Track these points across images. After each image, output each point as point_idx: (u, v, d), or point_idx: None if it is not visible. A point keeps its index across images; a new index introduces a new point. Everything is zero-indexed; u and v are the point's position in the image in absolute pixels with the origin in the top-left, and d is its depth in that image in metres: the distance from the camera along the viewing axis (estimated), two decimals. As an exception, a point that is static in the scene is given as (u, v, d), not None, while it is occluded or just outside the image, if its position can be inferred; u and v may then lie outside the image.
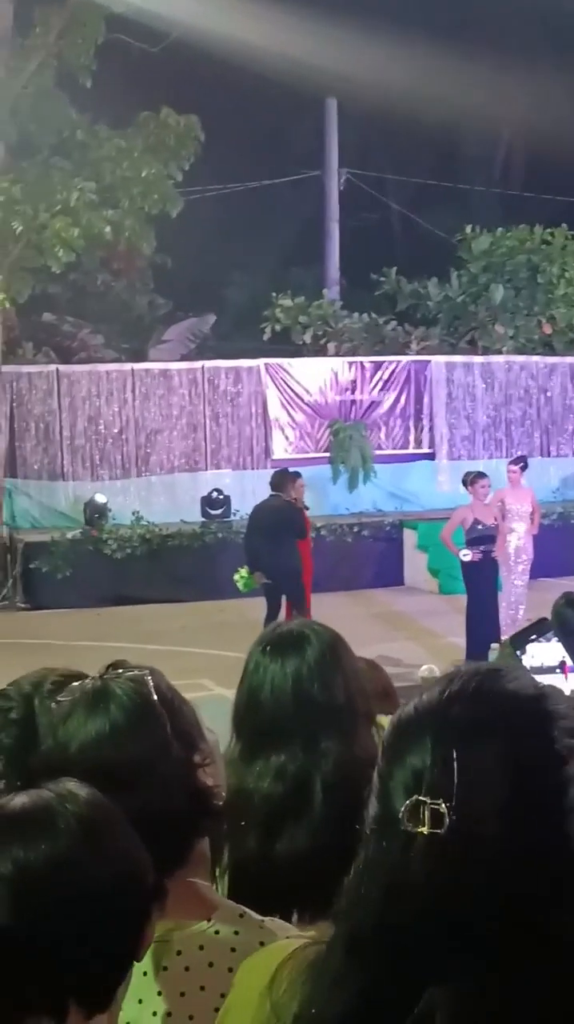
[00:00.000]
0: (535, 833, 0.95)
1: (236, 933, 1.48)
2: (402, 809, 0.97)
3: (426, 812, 0.96)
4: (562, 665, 2.81)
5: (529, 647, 2.82)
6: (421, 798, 0.96)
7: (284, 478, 10.74)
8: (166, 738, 1.49)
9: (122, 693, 1.50)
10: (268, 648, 1.93)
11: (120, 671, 1.56)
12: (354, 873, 1.04)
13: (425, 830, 0.95)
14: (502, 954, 0.95)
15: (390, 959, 0.99)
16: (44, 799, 1.23)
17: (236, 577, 10.36)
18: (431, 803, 0.95)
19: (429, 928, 0.96)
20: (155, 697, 1.51)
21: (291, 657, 1.90)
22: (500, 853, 0.95)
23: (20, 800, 1.24)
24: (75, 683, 1.58)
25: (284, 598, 10.16)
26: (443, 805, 0.95)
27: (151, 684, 1.53)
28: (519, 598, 10.92)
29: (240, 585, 10.35)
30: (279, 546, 10.20)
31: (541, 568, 11.68)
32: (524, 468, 11.59)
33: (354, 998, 1.01)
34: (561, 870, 0.96)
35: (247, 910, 1.52)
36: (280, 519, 10.31)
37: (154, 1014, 1.46)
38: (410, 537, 14.68)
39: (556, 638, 2.80)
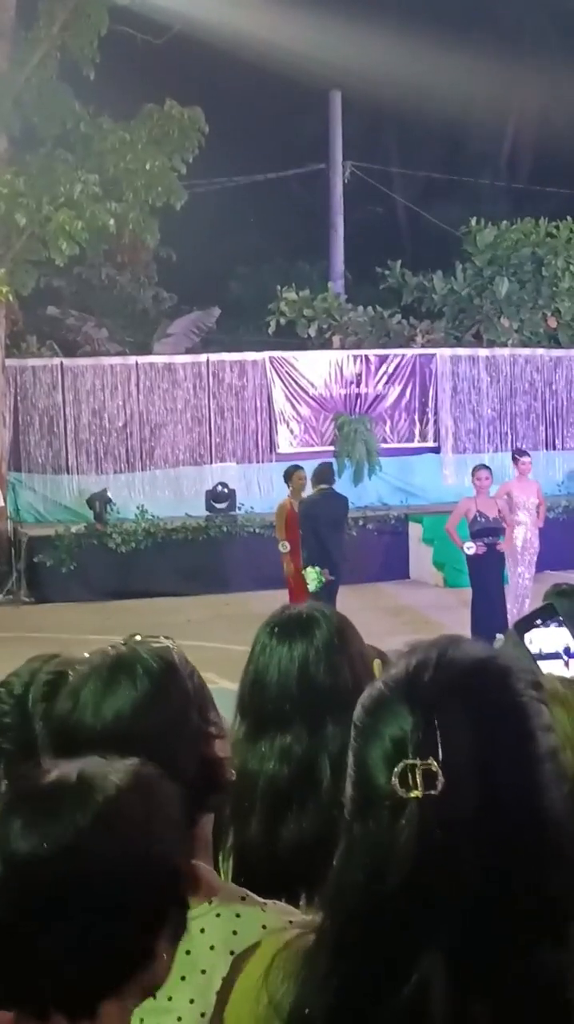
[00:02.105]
0: (513, 783, 1.00)
1: (238, 916, 1.45)
2: (391, 779, 0.99)
3: (418, 775, 0.98)
4: (567, 650, 2.79)
5: (534, 634, 2.80)
6: (410, 762, 0.99)
7: (331, 470, 10.96)
8: (187, 707, 1.49)
9: (149, 659, 1.50)
10: (276, 630, 1.91)
11: (141, 639, 1.56)
12: (336, 863, 1.06)
13: (418, 793, 0.98)
14: (494, 911, 0.97)
15: (378, 942, 1.00)
16: (69, 782, 1.19)
17: (309, 577, 10.16)
18: (422, 764, 0.98)
19: (418, 898, 0.98)
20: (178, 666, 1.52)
21: (299, 640, 1.88)
22: (485, 806, 0.99)
23: (48, 778, 1.20)
24: (97, 650, 1.57)
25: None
26: (434, 764, 0.98)
27: (175, 653, 1.53)
28: (525, 591, 10.88)
29: (314, 585, 10.12)
30: (342, 539, 10.42)
31: (546, 561, 11.65)
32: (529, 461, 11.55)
33: (343, 991, 1.02)
34: (539, 816, 1.01)
35: (249, 893, 1.50)
36: (342, 512, 10.46)
37: (153, 997, 1.43)
38: (415, 530, 14.65)
39: (555, 623, 2.78)
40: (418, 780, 0.98)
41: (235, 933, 1.42)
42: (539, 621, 2.77)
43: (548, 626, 2.86)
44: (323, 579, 10.08)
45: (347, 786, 1.07)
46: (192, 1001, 1.43)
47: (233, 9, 15.82)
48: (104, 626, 11.26)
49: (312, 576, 10.08)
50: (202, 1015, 1.40)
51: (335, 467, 11.00)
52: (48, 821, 1.15)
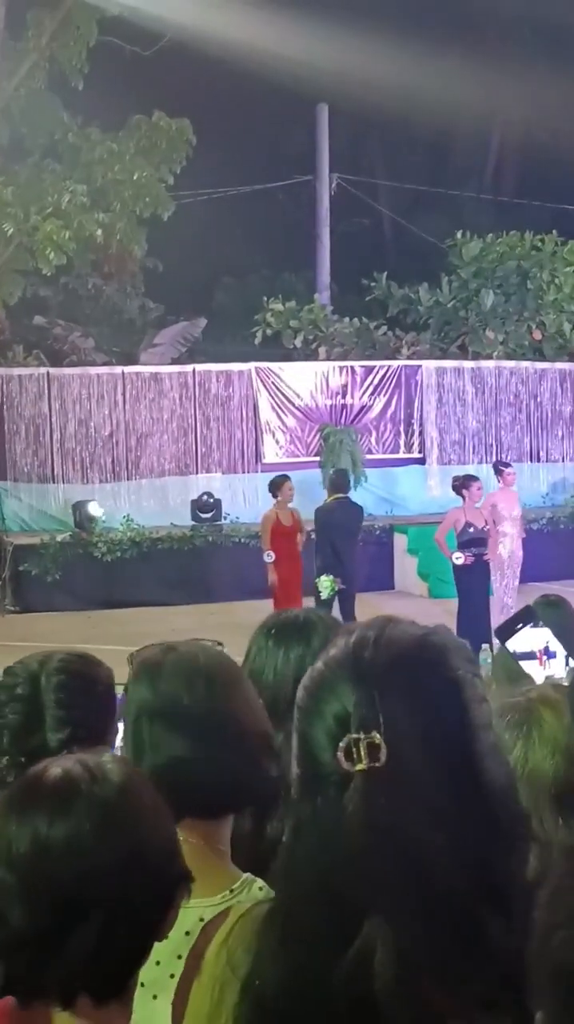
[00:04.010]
0: (452, 752, 1.04)
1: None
2: (337, 753, 1.03)
3: (362, 747, 1.01)
4: (546, 650, 2.83)
5: (514, 638, 2.84)
6: (354, 736, 1.02)
7: (346, 478, 10.97)
8: (253, 696, 1.64)
9: (218, 655, 1.64)
10: (273, 632, 1.94)
11: (201, 640, 1.69)
12: (286, 839, 1.10)
13: (363, 765, 1.01)
14: (437, 878, 1.00)
15: (325, 912, 1.03)
16: (75, 776, 1.22)
17: (322, 585, 10.17)
18: (366, 737, 1.01)
19: (363, 866, 1.00)
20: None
21: (296, 644, 1.91)
22: (425, 776, 1.02)
23: (53, 773, 1.23)
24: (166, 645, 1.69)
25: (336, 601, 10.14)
26: (377, 736, 1.01)
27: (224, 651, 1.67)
28: (510, 602, 10.92)
29: (326, 593, 10.17)
30: (357, 548, 10.47)
31: (531, 572, 11.71)
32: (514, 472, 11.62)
33: (292, 963, 1.05)
34: (477, 783, 1.04)
35: (265, 883, 1.55)
36: (357, 521, 10.57)
37: (171, 976, 1.48)
38: (400, 541, 14.69)
39: (531, 625, 2.82)
40: (362, 753, 1.01)
41: None
42: (520, 626, 2.82)
43: (532, 627, 2.90)
44: (335, 587, 10.09)
45: (292, 766, 1.10)
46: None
47: (221, 22, 15.90)
48: (89, 635, 11.24)
49: (325, 584, 10.09)
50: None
51: (345, 476, 10.98)
52: (59, 816, 1.18)
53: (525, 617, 2.79)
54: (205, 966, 1.23)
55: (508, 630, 2.73)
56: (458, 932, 1.00)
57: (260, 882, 1.55)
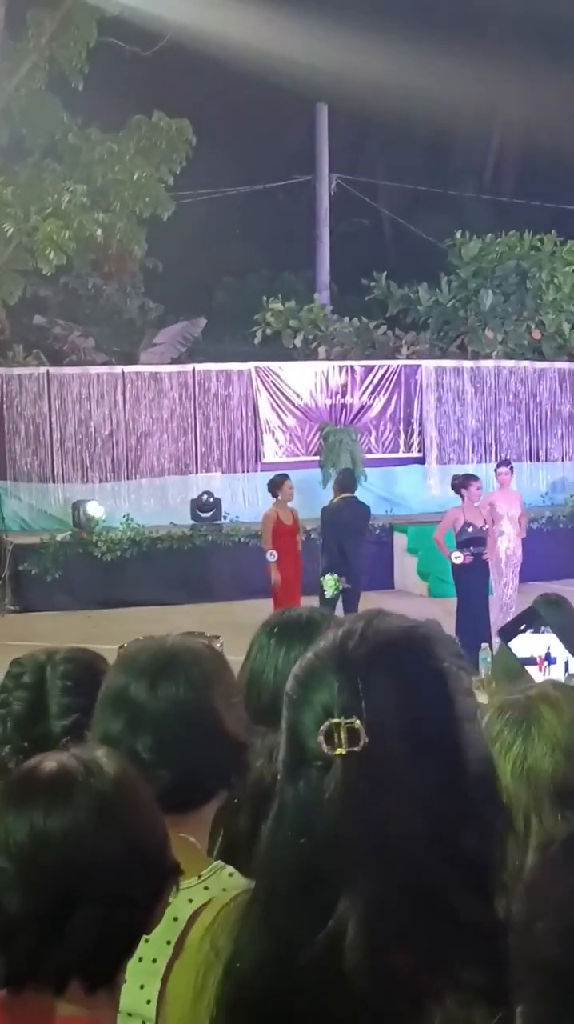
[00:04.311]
0: (433, 741, 1.06)
1: (224, 890, 1.50)
2: (318, 737, 1.05)
3: (342, 732, 1.04)
4: (547, 655, 2.83)
5: (517, 639, 2.84)
6: (335, 720, 1.05)
7: (353, 477, 10.95)
8: (231, 692, 1.63)
9: (201, 648, 1.64)
10: (275, 631, 1.94)
11: (197, 633, 1.70)
12: (269, 823, 1.12)
13: (342, 750, 1.04)
14: (412, 861, 1.02)
15: (303, 893, 1.05)
16: (70, 769, 1.25)
17: (327, 584, 10.17)
18: (346, 722, 1.04)
19: (340, 848, 1.03)
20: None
21: (297, 643, 1.91)
22: (406, 763, 1.04)
23: (48, 766, 1.26)
24: (149, 638, 1.71)
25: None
26: (357, 722, 1.04)
27: (221, 647, 1.68)
28: (510, 601, 10.94)
29: (330, 592, 10.18)
30: (363, 547, 10.44)
31: (531, 571, 11.72)
32: (511, 472, 11.64)
33: (270, 943, 1.07)
34: (458, 772, 1.06)
35: (235, 870, 1.56)
36: (364, 520, 10.57)
37: (139, 960, 1.49)
38: (400, 540, 14.71)
39: (539, 629, 2.83)
40: (342, 738, 1.04)
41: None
42: (524, 626, 2.82)
43: (535, 632, 2.90)
44: (340, 586, 10.09)
45: (279, 753, 1.13)
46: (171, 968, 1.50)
47: (221, 22, 15.91)
48: (89, 635, 11.25)
49: (329, 583, 10.09)
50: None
51: (351, 476, 10.99)
52: (56, 808, 1.21)
53: (529, 619, 2.80)
54: (187, 953, 1.27)
55: (511, 630, 2.74)
56: (431, 913, 1.01)
57: (230, 868, 1.57)
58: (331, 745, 1.04)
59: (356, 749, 1.03)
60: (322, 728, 1.05)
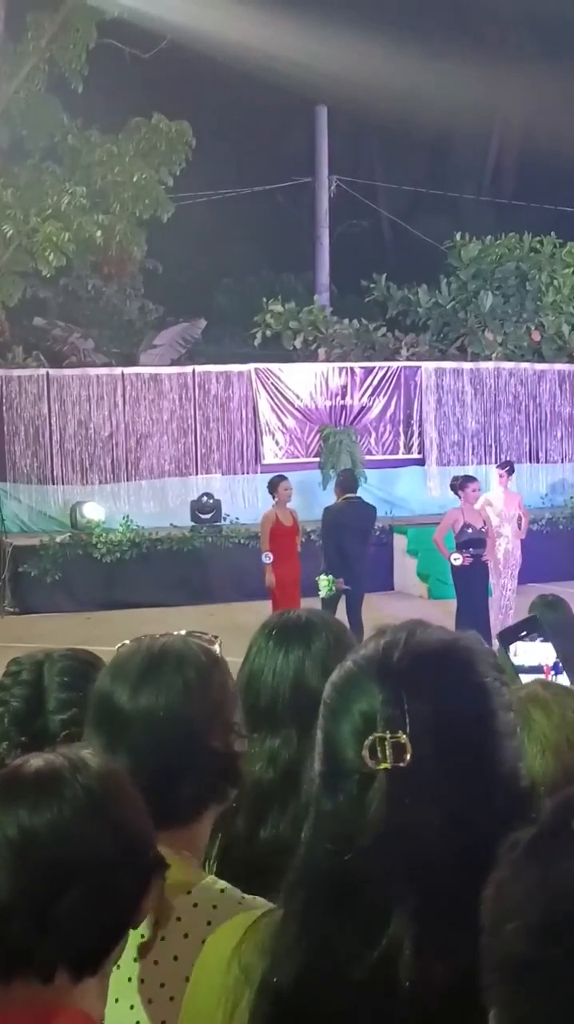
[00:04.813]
0: (475, 756, 1.05)
1: (214, 907, 1.48)
2: (362, 751, 1.04)
3: (387, 747, 1.03)
4: (557, 666, 2.81)
5: (517, 646, 2.83)
6: (380, 735, 1.03)
7: (354, 478, 10.91)
8: (224, 700, 1.58)
9: (198, 651, 1.59)
10: (274, 633, 1.93)
11: (195, 633, 1.66)
12: (305, 835, 1.11)
13: (388, 764, 1.03)
14: (455, 877, 1.01)
15: (346, 908, 1.04)
16: (56, 766, 1.28)
17: (321, 584, 10.13)
18: (391, 737, 1.03)
19: (386, 863, 1.02)
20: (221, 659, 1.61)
21: (296, 646, 1.90)
22: (448, 778, 1.03)
23: (35, 764, 1.29)
24: (148, 636, 1.66)
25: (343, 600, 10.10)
26: (403, 736, 1.03)
27: (219, 649, 1.63)
28: (509, 602, 10.95)
29: (324, 593, 10.12)
30: (367, 549, 10.40)
31: (530, 573, 11.73)
32: (510, 473, 11.65)
33: (311, 957, 1.07)
34: (498, 789, 1.05)
35: (228, 885, 1.54)
36: (370, 522, 10.53)
37: (129, 980, 1.48)
38: (400, 542, 14.71)
39: (538, 637, 2.82)
40: (387, 752, 1.03)
41: (210, 923, 1.45)
42: (524, 633, 2.81)
43: (533, 639, 2.89)
44: (333, 588, 10.06)
45: (315, 762, 1.11)
46: (163, 985, 1.47)
47: (221, 24, 15.93)
48: (89, 636, 11.26)
49: (323, 584, 10.08)
50: (171, 999, 1.44)
51: (352, 476, 10.92)
52: (44, 802, 1.24)
53: (530, 626, 2.79)
54: (209, 977, 1.22)
55: (511, 636, 2.73)
56: (473, 928, 1.00)
57: (221, 884, 1.53)
58: (375, 759, 1.04)
59: (402, 764, 1.03)
60: (366, 742, 1.04)
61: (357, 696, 1.08)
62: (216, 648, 1.63)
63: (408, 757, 1.03)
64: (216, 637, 1.67)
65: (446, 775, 1.04)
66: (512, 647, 2.87)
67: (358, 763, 1.05)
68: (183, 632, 1.66)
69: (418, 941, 1.02)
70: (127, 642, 1.67)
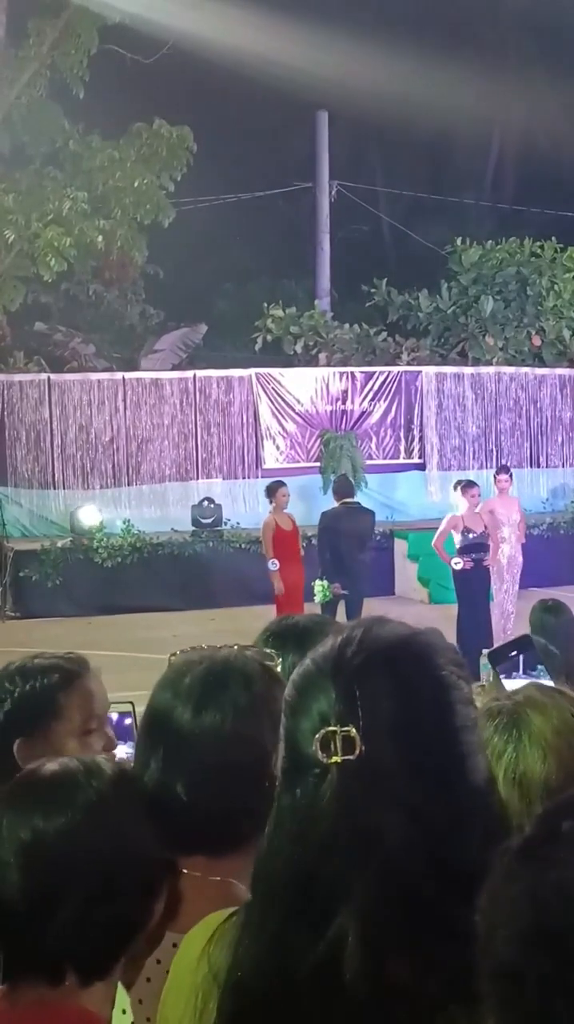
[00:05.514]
0: (431, 751, 1.05)
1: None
2: (313, 746, 1.05)
3: (338, 740, 1.04)
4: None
5: (507, 682, 2.81)
6: (331, 728, 1.04)
7: (350, 483, 10.85)
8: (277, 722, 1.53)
9: (257, 669, 1.52)
10: (271, 639, 1.93)
11: (248, 648, 1.60)
12: (267, 831, 1.11)
13: (338, 758, 1.03)
14: (407, 871, 1.01)
15: (301, 902, 1.05)
16: (72, 770, 1.29)
17: (317, 588, 10.13)
18: (342, 731, 1.04)
19: (336, 857, 1.02)
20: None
21: (292, 651, 1.90)
22: (403, 772, 1.03)
23: (50, 767, 1.31)
24: (206, 647, 1.57)
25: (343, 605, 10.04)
26: (352, 730, 1.03)
27: (276, 667, 1.55)
28: (510, 607, 10.95)
29: (319, 597, 10.11)
30: (366, 554, 10.34)
31: (531, 578, 11.73)
32: (510, 478, 11.65)
33: (269, 950, 1.07)
34: (456, 783, 1.05)
35: None
36: (368, 527, 10.47)
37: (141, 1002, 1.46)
38: (400, 547, 14.71)
39: (528, 656, 2.81)
40: (338, 746, 1.03)
41: None
42: (514, 652, 2.80)
43: (524, 656, 2.88)
44: (330, 593, 10.04)
45: (278, 761, 1.12)
46: (140, 1002, 1.45)
47: (222, 30, 15.97)
48: (90, 641, 11.25)
49: (318, 589, 10.06)
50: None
51: (348, 481, 10.88)
52: (57, 806, 1.25)
53: (521, 646, 2.78)
54: (182, 976, 1.23)
55: (500, 655, 2.72)
56: (427, 923, 1.01)
57: None
58: (327, 753, 1.04)
59: (351, 757, 1.03)
60: (317, 736, 1.05)
61: (315, 694, 1.08)
62: (274, 666, 1.55)
63: (358, 751, 1.03)
64: (274, 653, 1.59)
65: (400, 769, 1.03)
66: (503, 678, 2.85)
67: (315, 759, 1.05)
68: (236, 646, 1.58)
69: (366, 936, 1.01)
70: (178, 652, 1.60)
